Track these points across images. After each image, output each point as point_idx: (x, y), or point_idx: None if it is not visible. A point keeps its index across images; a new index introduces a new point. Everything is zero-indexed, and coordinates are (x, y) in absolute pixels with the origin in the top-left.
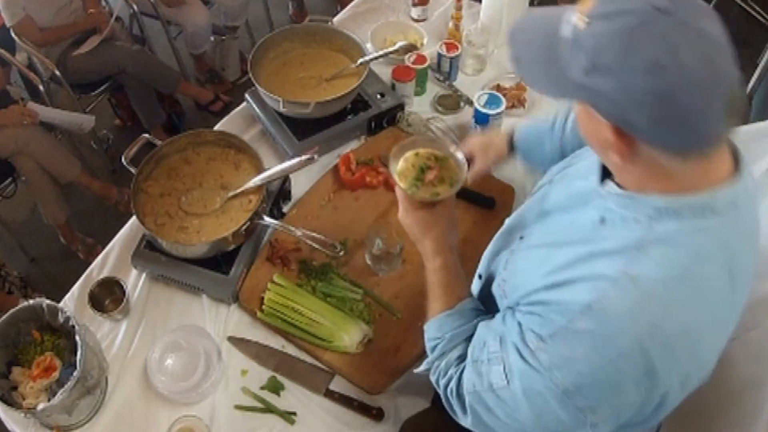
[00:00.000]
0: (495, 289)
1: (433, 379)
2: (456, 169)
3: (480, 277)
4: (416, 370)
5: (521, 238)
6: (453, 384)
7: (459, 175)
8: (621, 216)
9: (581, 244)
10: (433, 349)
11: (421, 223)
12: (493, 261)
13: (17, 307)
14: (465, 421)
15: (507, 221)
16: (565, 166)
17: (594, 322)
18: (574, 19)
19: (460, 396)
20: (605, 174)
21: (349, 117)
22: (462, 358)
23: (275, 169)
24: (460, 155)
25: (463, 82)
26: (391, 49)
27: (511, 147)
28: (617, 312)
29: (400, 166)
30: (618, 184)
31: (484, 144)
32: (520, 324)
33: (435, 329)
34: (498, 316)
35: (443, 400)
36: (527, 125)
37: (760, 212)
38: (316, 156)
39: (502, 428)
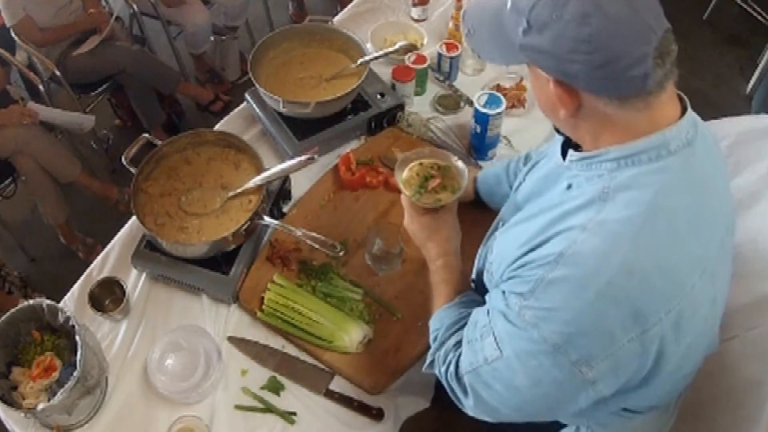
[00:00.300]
0: (486, 279)
1: (436, 370)
2: (458, 177)
3: (473, 281)
4: (423, 370)
5: (501, 225)
6: (452, 368)
7: (460, 183)
8: (585, 177)
9: (551, 210)
10: (434, 340)
11: (425, 228)
12: (480, 261)
13: (17, 307)
14: (467, 405)
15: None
16: (533, 164)
17: (567, 268)
18: None
19: (459, 379)
20: (566, 150)
21: (349, 117)
22: (459, 344)
23: (275, 169)
24: (461, 164)
25: (463, 82)
26: (391, 49)
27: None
28: (588, 253)
29: (405, 175)
30: (578, 151)
31: None
32: (503, 292)
33: (436, 322)
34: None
35: (447, 389)
36: (488, 169)
37: (717, 159)
38: (316, 156)
39: (502, 403)
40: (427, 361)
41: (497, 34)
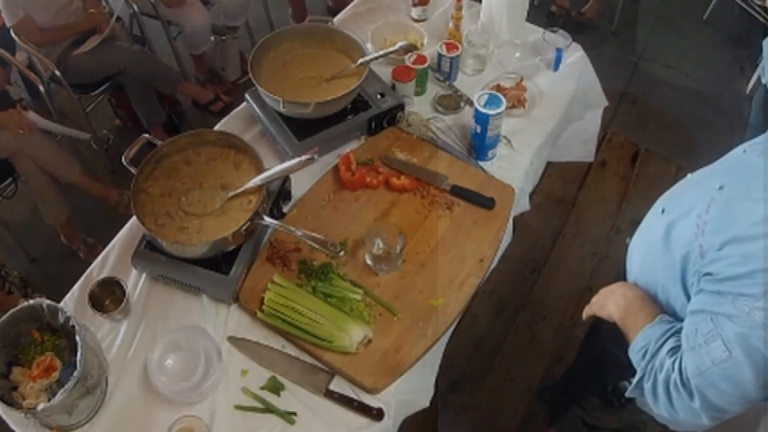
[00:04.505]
0: (685, 228)
1: (648, 385)
2: None
3: (663, 211)
4: (627, 393)
5: (720, 188)
6: (675, 376)
7: None
8: None
9: None
10: (643, 355)
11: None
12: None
13: (17, 307)
14: (692, 407)
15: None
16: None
17: None
18: None
19: (685, 384)
20: None
21: (349, 117)
22: (674, 350)
23: (275, 169)
24: None
25: (463, 82)
26: (391, 49)
27: None
28: None
29: None
30: None
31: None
32: (728, 294)
33: (641, 340)
34: (695, 302)
35: (662, 397)
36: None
37: None
38: (316, 156)
39: (726, 401)
40: (632, 388)
41: None
